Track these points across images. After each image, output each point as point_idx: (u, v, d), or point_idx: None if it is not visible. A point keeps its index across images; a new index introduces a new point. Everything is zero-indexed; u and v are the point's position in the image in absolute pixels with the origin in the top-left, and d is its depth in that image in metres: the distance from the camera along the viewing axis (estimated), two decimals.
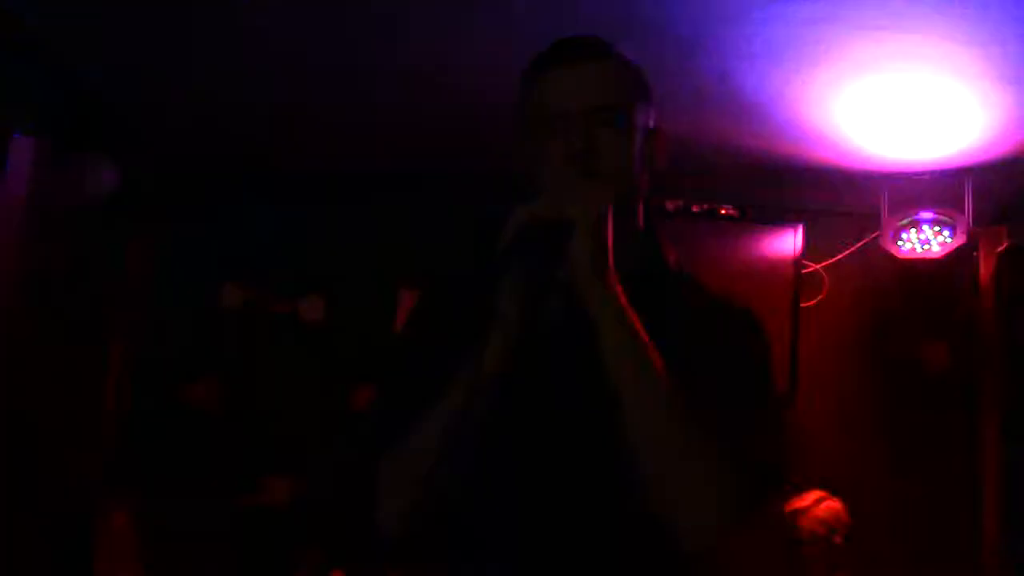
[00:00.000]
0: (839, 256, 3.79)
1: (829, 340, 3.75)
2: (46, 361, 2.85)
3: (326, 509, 2.77)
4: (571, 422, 1.30)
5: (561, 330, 1.29)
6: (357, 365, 3.91)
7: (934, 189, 3.42)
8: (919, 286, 3.61)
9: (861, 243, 3.75)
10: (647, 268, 1.40)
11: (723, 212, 3.75)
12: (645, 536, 1.24)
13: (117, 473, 3.85)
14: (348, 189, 4.10)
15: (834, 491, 3.37)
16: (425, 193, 4.04)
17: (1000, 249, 2.29)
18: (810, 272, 3.76)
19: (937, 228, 3.43)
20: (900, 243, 3.47)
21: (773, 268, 3.66)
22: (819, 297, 3.77)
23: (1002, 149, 3.19)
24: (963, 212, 3.39)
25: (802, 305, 3.64)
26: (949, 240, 3.39)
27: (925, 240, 3.44)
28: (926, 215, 3.45)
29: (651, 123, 1.41)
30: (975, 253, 3.51)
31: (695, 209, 3.73)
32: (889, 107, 2.98)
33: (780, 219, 3.76)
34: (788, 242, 3.68)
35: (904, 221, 3.48)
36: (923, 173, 3.41)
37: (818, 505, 3.00)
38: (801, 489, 3.22)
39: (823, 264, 3.78)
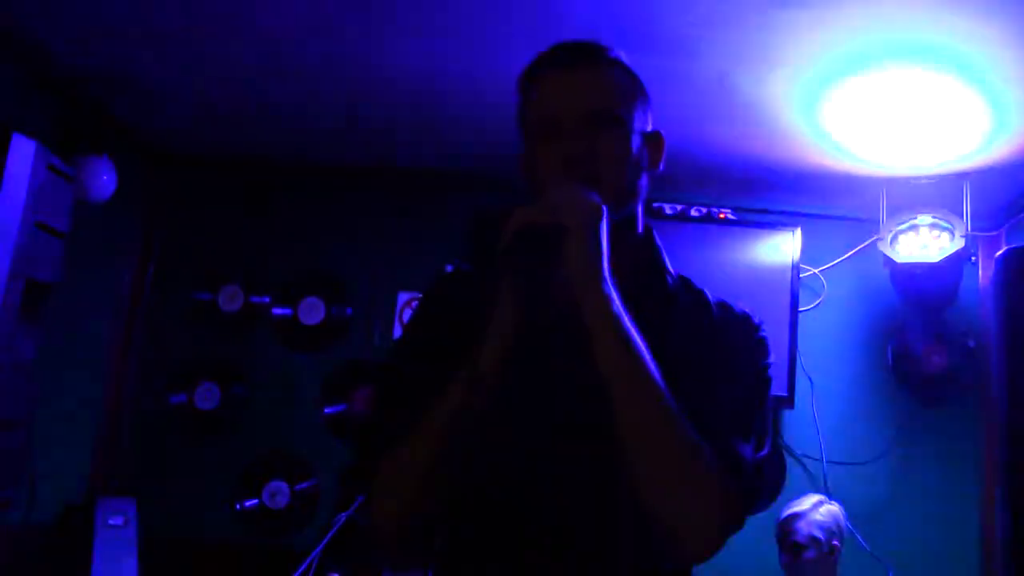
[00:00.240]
0: (837, 260, 3.79)
1: (827, 344, 3.75)
2: (46, 362, 2.85)
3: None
4: (566, 424, 1.30)
5: (557, 333, 1.30)
6: (358, 366, 3.92)
7: (932, 193, 3.42)
8: (918, 290, 3.61)
9: (859, 247, 3.75)
10: (646, 272, 1.41)
11: (721, 216, 3.76)
12: (640, 537, 1.24)
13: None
14: (348, 188, 4.11)
15: (833, 495, 3.38)
16: (425, 192, 4.05)
17: (999, 253, 2.29)
18: (808, 276, 3.76)
19: (935, 232, 3.44)
20: (898, 247, 3.47)
21: (771, 272, 3.66)
22: (817, 301, 3.77)
23: (1001, 153, 3.19)
24: (961, 216, 3.39)
25: (800, 309, 3.65)
26: (947, 244, 3.39)
27: (923, 244, 3.44)
28: (924, 219, 3.45)
29: (649, 127, 1.41)
30: (973, 257, 3.51)
31: (693, 213, 3.74)
32: (887, 112, 2.99)
33: (778, 223, 3.77)
34: (786, 246, 3.68)
35: (902, 225, 3.48)
36: (921, 177, 3.41)
37: (817, 509, 2.99)
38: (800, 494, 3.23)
39: (821, 268, 3.78)
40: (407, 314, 3.94)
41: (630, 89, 1.38)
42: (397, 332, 3.93)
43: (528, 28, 2.69)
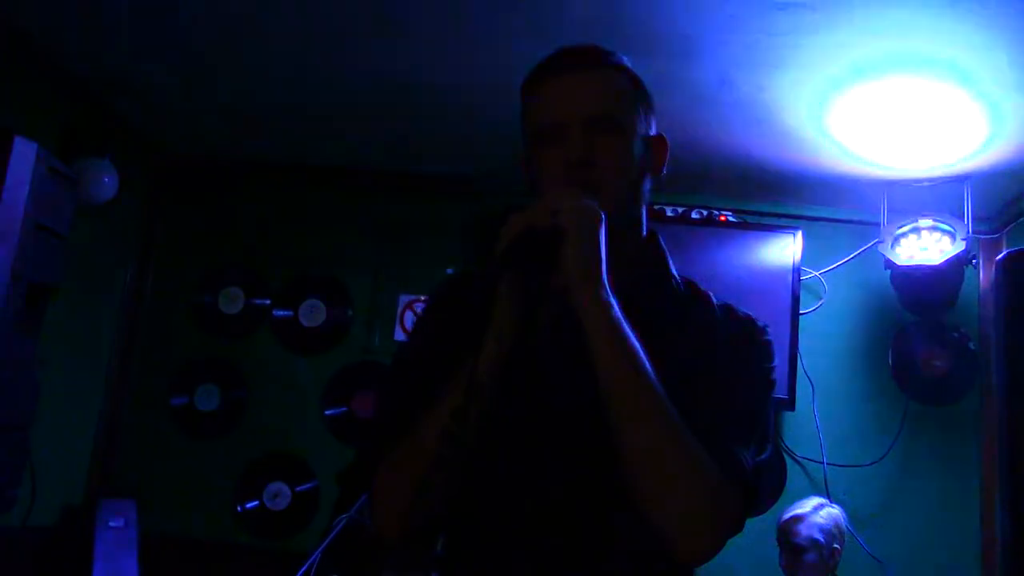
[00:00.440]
0: (838, 263, 3.79)
1: (828, 347, 3.75)
2: (47, 364, 2.85)
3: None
4: (565, 427, 1.30)
5: (555, 336, 1.30)
6: (358, 370, 3.92)
7: (933, 196, 3.42)
8: (918, 293, 3.60)
9: (860, 250, 3.75)
10: (649, 276, 1.41)
11: (722, 218, 3.76)
12: (640, 539, 1.24)
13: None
14: (349, 191, 4.11)
15: (833, 498, 3.38)
16: (426, 195, 4.05)
17: (999, 257, 2.29)
18: (809, 279, 3.76)
19: (936, 235, 3.43)
20: (899, 250, 3.47)
21: (772, 274, 3.65)
22: (818, 304, 3.77)
23: (1000, 156, 3.19)
24: (962, 219, 3.39)
25: (801, 312, 3.64)
26: (948, 247, 3.38)
27: (924, 247, 3.44)
28: (925, 222, 3.45)
29: (651, 130, 1.41)
30: (974, 260, 3.51)
31: (694, 215, 3.74)
32: (889, 114, 2.99)
33: (779, 226, 3.76)
34: (787, 249, 3.67)
35: (903, 228, 3.48)
36: (922, 180, 3.41)
37: (818, 512, 2.99)
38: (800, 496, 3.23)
39: (822, 271, 3.78)
40: (408, 316, 3.94)
41: (632, 93, 1.38)
42: (398, 335, 3.93)
43: (530, 33, 2.70)
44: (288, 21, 2.78)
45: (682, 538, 1.21)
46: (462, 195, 4.02)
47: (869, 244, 3.68)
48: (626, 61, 1.40)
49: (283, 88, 3.29)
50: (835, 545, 2.96)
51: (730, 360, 1.34)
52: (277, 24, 2.81)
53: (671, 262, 1.44)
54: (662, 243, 1.45)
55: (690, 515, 1.21)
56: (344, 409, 3.90)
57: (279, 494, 3.84)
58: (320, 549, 2.48)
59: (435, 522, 1.33)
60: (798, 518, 2.98)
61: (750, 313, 1.42)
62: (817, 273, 3.78)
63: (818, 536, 2.93)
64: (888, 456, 3.58)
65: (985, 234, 3.68)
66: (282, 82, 3.24)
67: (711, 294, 1.45)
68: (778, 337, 1.44)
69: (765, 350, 1.39)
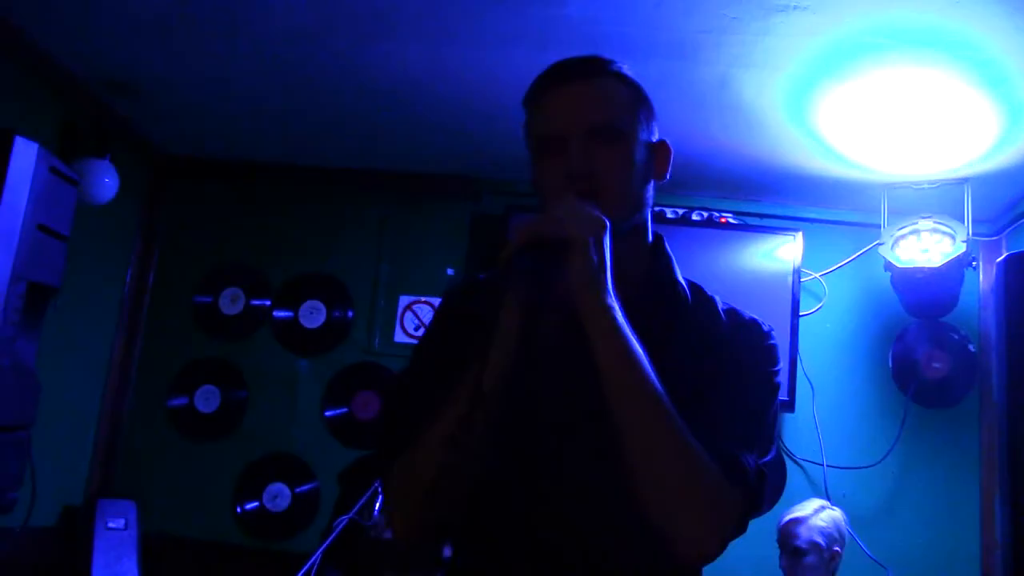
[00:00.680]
0: (839, 265, 3.79)
1: (828, 349, 3.75)
2: (47, 364, 2.85)
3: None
4: (570, 434, 1.32)
5: (560, 345, 1.31)
6: (358, 371, 3.93)
7: (934, 198, 3.42)
8: (918, 295, 3.61)
9: (861, 252, 3.75)
10: (656, 281, 1.41)
11: (723, 220, 3.76)
12: (646, 541, 1.25)
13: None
14: (349, 191, 4.11)
15: (833, 500, 3.38)
16: (427, 196, 4.05)
17: (1000, 259, 2.29)
18: (809, 280, 3.77)
19: (937, 237, 3.43)
20: (899, 252, 3.47)
21: (773, 276, 3.66)
22: (818, 306, 3.77)
23: (1001, 158, 3.19)
24: (962, 221, 3.39)
25: (801, 314, 3.65)
26: (949, 249, 3.39)
27: (924, 249, 3.44)
28: (926, 224, 3.45)
29: (654, 136, 1.42)
30: (974, 262, 3.51)
31: (695, 217, 3.74)
32: (889, 116, 2.99)
33: (780, 227, 3.77)
34: (788, 250, 3.68)
35: (904, 230, 3.48)
36: (923, 182, 3.41)
37: (818, 515, 2.99)
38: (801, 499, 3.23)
39: (823, 273, 3.78)
40: (408, 317, 3.94)
41: (631, 101, 1.39)
42: (398, 335, 3.93)
43: (529, 33, 2.70)
44: (287, 21, 2.78)
45: (685, 540, 1.22)
46: (462, 195, 4.02)
47: (869, 246, 3.68)
48: (625, 69, 1.41)
49: (283, 88, 3.29)
50: (835, 548, 2.95)
51: (735, 363, 1.36)
52: (277, 24, 2.81)
53: (676, 267, 1.44)
54: (667, 248, 1.46)
55: (693, 517, 1.22)
56: (344, 410, 3.90)
57: (279, 495, 3.84)
58: (321, 549, 2.49)
59: (450, 524, 1.35)
60: (798, 520, 2.97)
61: (756, 316, 1.44)
62: (817, 275, 3.78)
63: (818, 539, 2.92)
64: (888, 458, 3.59)
65: (985, 236, 3.68)
66: (282, 83, 3.24)
67: (717, 298, 1.46)
68: (778, 339, 1.45)
69: (770, 353, 1.40)
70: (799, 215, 3.84)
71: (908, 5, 2.38)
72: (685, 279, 1.45)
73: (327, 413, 3.90)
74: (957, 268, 3.44)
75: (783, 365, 3.38)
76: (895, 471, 3.60)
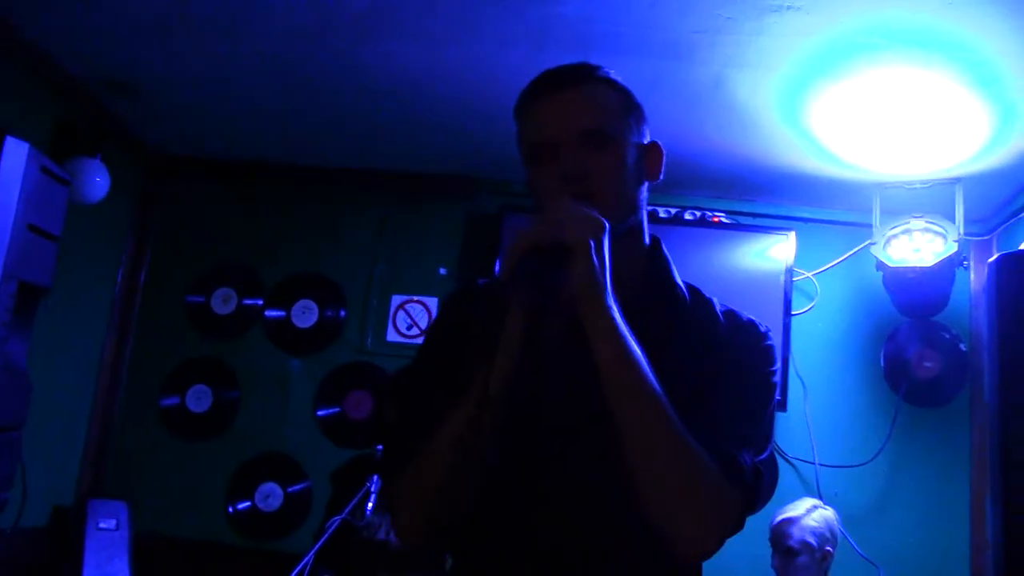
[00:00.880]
0: (831, 264, 3.80)
1: (820, 348, 3.76)
2: (38, 364, 2.84)
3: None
4: (572, 437, 1.33)
5: (563, 348, 1.33)
6: (351, 370, 3.92)
7: (925, 198, 3.43)
8: (910, 295, 3.62)
9: (853, 251, 3.76)
10: (653, 283, 1.43)
11: (715, 220, 3.77)
12: (644, 545, 1.27)
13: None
14: (342, 191, 4.11)
15: (825, 498, 3.39)
16: (419, 195, 4.05)
17: (992, 259, 2.30)
18: (802, 280, 3.77)
19: (928, 237, 3.44)
20: (891, 251, 3.48)
21: (765, 276, 3.67)
22: (810, 305, 3.78)
23: (993, 158, 3.20)
24: (953, 221, 3.40)
25: (793, 313, 3.65)
26: (940, 249, 3.40)
27: (916, 248, 3.45)
28: (917, 224, 3.46)
29: (645, 138, 1.43)
30: (965, 262, 3.53)
31: (687, 217, 3.75)
32: (881, 116, 3.00)
33: (772, 227, 3.78)
34: (780, 250, 3.69)
35: (895, 230, 3.49)
36: (915, 182, 3.42)
37: (810, 515, 2.99)
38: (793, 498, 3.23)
39: (815, 272, 3.79)
40: (401, 317, 3.93)
41: (621, 105, 1.40)
42: (391, 335, 3.93)
43: (524, 33, 2.70)
44: (285, 21, 2.78)
45: (685, 540, 1.24)
46: (456, 195, 4.01)
47: (861, 245, 3.69)
48: (614, 74, 1.42)
49: (275, 88, 3.29)
50: (827, 548, 2.96)
51: (733, 364, 1.37)
52: (271, 23, 2.80)
53: (674, 268, 1.46)
54: (664, 250, 1.47)
55: (693, 517, 1.24)
56: (337, 410, 3.90)
57: (271, 495, 3.84)
58: (314, 550, 2.48)
59: (455, 527, 1.35)
60: (790, 521, 2.98)
61: (753, 318, 1.46)
62: (809, 274, 3.79)
63: (810, 539, 2.93)
64: (879, 457, 3.60)
65: (976, 236, 3.69)
66: (278, 82, 3.23)
67: (715, 300, 1.47)
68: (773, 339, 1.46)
69: (768, 354, 1.42)
70: (792, 215, 3.85)
71: (901, 5, 2.38)
72: (683, 281, 1.47)
73: (319, 413, 3.90)
74: (948, 268, 3.45)
75: (779, 365, 3.38)
76: (886, 470, 3.62)
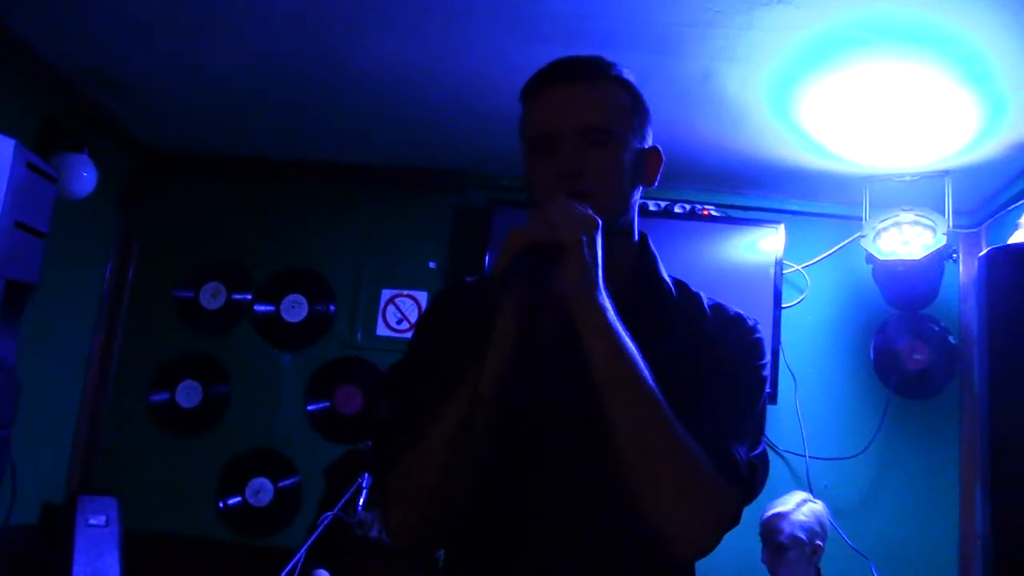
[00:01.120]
0: (821, 257, 3.81)
1: (810, 341, 3.77)
2: (26, 361, 2.83)
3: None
4: (566, 434, 1.33)
5: (556, 346, 1.32)
6: (341, 365, 3.91)
7: (915, 190, 3.44)
8: (899, 287, 3.63)
9: (842, 244, 3.77)
10: (642, 279, 1.43)
11: (705, 213, 3.77)
12: (640, 543, 1.27)
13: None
14: (331, 185, 4.09)
15: (815, 490, 3.40)
16: (408, 189, 4.03)
17: (982, 253, 2.31)
18: (792, 272, 3.78)
19: (918, 229, 3.45)
20: (881, 244, 3.49)
21: (755, 268, 3.67)
22: (800, 298, 3.79)
23: (982, 151, 3.21)
24: (943, 214, 3.41)
25: (783, 306, 3.66)
26: (930, 241, 3.41)
27: (906, 241, 3.45)
28: (907, 217, 3.47)
29: (646, 143, 1.43)
30: (955, 254, 3.54)
31: (677, 210, 3.75)
32: (870, 109, 3.00)
33: (762, 220, 3.78)
34: (770, 242, 3.69)
35: (885, 222, 3.49)
36: (904, 174, 3.43)
37: (800, 509, 3.00)
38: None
39: (805, 265, 3.80)
40: (390, 311, 3.93)
41: (628, 106, 1.39)
42: (380, 329, 3.92)
43: (513, 26, 2.69)
44: (269, 16, 2.76)
45: (680, 535, 1.24)
46: (444, 189, 4.00)
47: (851, 238, 3.69)
48: (627, 74, 1.41)
49: (265, 83, 3.27)
50: (817, 542, 2.97)
51: (723, 359, 1.38)
52: (258, 19, 2.79)
53: (661, 265, 1.45)
54: (652, 247, 1.47)
55: (688, 514, 1.24)
56: (327, 404, 3.89)
57: (261, 490, 3.83)
58: (306, 546, 2.48)
59: (449, 528, 1.34)
60: (780, 516, 2.98)
61: (740, 311, 1.46)
62: (799, 267, 3.79)
63: (800, 534, 2.93)
64: (869, 449, 3.61)
65: (965, 228, 3.70)
66: (264, 77, 3.22)
67: (702, 294, 1.48)
68: (762, 332, 1.46)
69: (757, 347, 1.42)
70: (781, 207, 3.85)
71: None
72: (670, 276, 1.47)
73: (309, 407, 3.89)
74: (938, 260, 3.46)
75: (768, 358, 3.39)
76: (876, 462, 3.63)
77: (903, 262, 3.44)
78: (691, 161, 3.58)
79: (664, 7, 2.52)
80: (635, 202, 1.42)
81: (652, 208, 3.74)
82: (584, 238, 1.20)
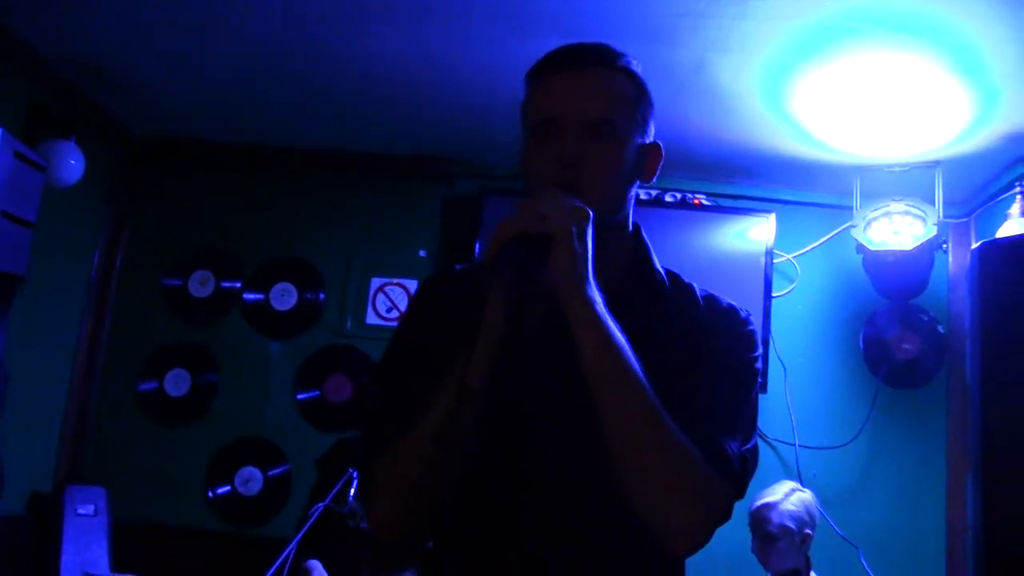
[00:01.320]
0: (811, 246, 3.81)
1: (800, 330, 3.78)
2: (14, 350, 2.81)
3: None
4: (555, 425, 1.31)
5: (544, 337, 1.31)
6: (330, 353, 3.90)
7: (906, 181, 3.44)
8: (889, 277, 3.63)
9: (833, 234, 3.77)
10: (635, 270, 1.41)
11: (696, 202, 3.76)
12: (628, 535, 1.26)
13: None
14: (320, 174, 4.07)
15: (804, 479, 3.41)
16: (398, 177, 4.02)
17: (975, 246, 2.31)
18: (782, 262, 3.78)
19: (908, 220, 3.46)
20: (871, 234, 3.49)
21: (745, 258, 3.67)
22: (791, 287, 3.79)
23: (972, 142, 3.21)
24: (933, 204, 3.42)
25: (774, 295, 3.67)
26: (920, 232, 3.41)
27: (896, 231, 3.46)
28: (897, 207, 3.47)
29: (648, 138, 1.41)
30: (945, 245, 3.55)
31: (668, 199, 3.74)
32: (862, 100, 3.00)
33: (753, 209, 3.78)
34: (760, 232, 3.69)
35: (876, 212, 3.50)
36: (895, 165, 3.43)
37: (788, 499, 3.01)
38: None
39: (795, 254, 3.80)
40: (380, 299, 3.91)
41: (632, 99, 1.37)
42: (370, 317, 3.91)
43: (503, 15, 2.67)
44: (259, 3, 2.74)
45: (671, 529, 1.24)
46: (434, 177, 3.99)
47: (841, 228, 3.70)
48: (635, 65, 1.39)
49: (253, 70, 3.25)
50: (806, 531, 2.98)
51: (714, 351, 1.36)
52: (248, 5, 2.76)
53: (654, 256, 1.44)
54: (645, 238, 1.45)
55: (679, 509, 1.23)
56: (316, 393, 3.88)
57: (251, 479, 3.82)
58: (297, 538, 2.47)
59: (432, 522, 1.33)
60: (769, 506, 2.98)
61: (733, 303, 1.44)
62: (790, 256, 3.80)
63: (789, 523, 2.94)
64: (858, 438, 3.62)
65: (954, 218, 3.71)
66: (252, 64, 3.20)
67: (694, 285, 1.46)
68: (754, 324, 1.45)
69: (750, 340, 1.41)
70: (772, 197, 3.85)
71: None
72: (663, 267, 1.46)
73: (299, 396, 3.87)
74: (927, 251, 3.47)
75: (761, 351, 3.40)
76: (865, 451, 3.64)
77: (893, 252, 3.45)
78: (683, 150, 3.57)
79: None
80: (631, 198, 1.41)
81: (643, 197, 3.73)
82: (574, 229, 1.19)
